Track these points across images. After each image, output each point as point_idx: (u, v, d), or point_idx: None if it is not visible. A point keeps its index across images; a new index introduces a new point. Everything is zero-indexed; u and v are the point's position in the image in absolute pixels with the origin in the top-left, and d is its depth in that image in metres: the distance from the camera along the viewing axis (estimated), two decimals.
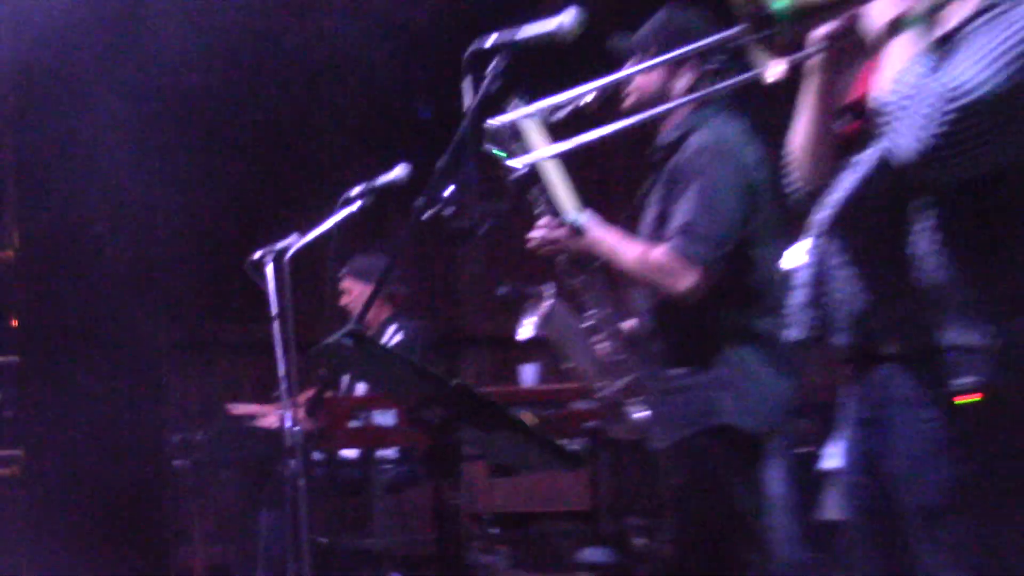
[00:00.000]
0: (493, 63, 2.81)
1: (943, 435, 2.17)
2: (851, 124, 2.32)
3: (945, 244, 2.16)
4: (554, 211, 3.51)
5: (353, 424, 4.99)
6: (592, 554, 5.98)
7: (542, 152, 3.14)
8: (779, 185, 2.92)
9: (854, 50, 2.28)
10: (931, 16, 2.21)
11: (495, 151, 2.77)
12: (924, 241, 2.17)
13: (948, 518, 2.17)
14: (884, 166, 2.20)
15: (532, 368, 6.67)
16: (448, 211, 3.15)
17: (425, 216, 3.10)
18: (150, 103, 5.29)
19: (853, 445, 2.38)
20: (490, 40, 2.85)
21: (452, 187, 3.10)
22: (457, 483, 2.83)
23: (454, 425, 2.44)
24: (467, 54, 2.79)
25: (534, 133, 3.28)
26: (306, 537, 4.23)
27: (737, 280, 3.45)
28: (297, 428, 4.25)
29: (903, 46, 2.16)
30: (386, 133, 6.72)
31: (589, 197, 3.56)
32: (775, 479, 3.50)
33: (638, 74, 3.57)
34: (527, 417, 4.26)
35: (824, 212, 2.37)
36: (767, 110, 3.45)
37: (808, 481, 4.82)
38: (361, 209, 4.28)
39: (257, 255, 4.47)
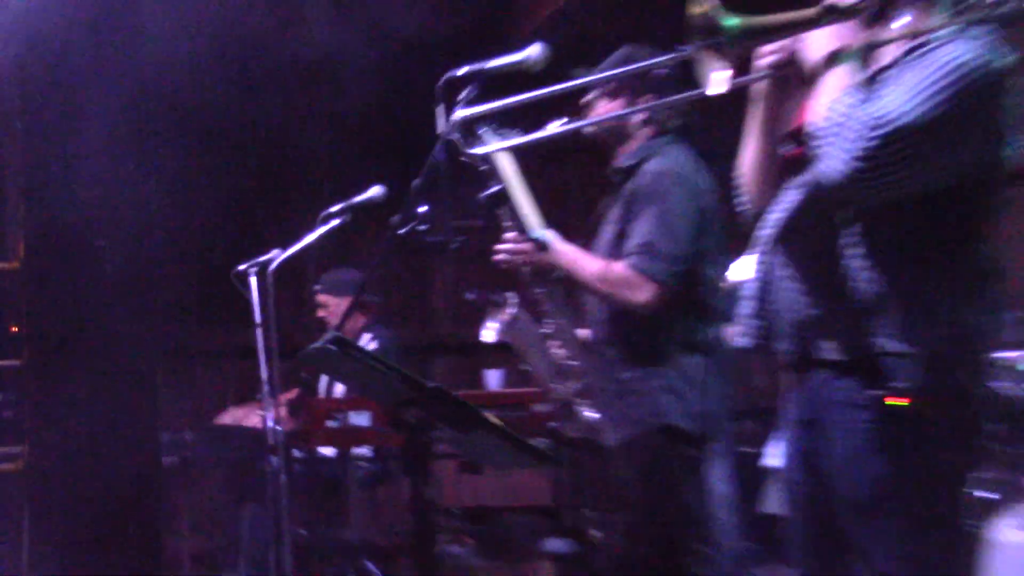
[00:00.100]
0: (465, 91, 2.83)
1: (875, 435, 2.20)
2: (794, 149, 2.35)
3: (874, 260, 2.19)
4: (520, 227, 3.53)
5: (331, 424, 4.98)
6: (553, 545, 6.00)
7: (503, 146, 3.16)
8: (725, 208, 2.95)
9: (796, 81, 2.31)
10: (865, 53, 2.25)
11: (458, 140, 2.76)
12: (855, 257, 2.20)
13: (879, 511, 2.20)
14: (817, 187, 2.24)
15: (496, 373, 6.69)
16: (422, 227, 3.16)
17: (401, 231, 3.12)
18: (141, 122, 5.26)
19: (793, 444, 2.40)
20: (462, 70, 2.87)
21: (426, 205, 3.11)
22: (428, 479, 2.82)
23: (431, 425, 2.45)
24: (440, 82, 2.80)
25: (501, 156, 3.32)
26: (287, 529, 4.22)
27: (685, 294, 3.48)
28: (279, 428, 4.24)
29: (838, 78, 2.20)
30: (364, 155, 6.71)
31: (549, 209, 3.60)
32: (720, 476, 3.52)
33: (599, 104, 3.60)
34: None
35: (767, 229, 2.40)
36: (712, 140, 3.50)
37: (751, 478, 4.84)
38: (340, 226, 4.29)
39: (242, 267, 4.45)
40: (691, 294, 3.49)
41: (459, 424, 2.44)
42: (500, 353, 4.57)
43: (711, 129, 3.54)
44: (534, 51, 2.86)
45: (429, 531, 2.78)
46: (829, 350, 2.25)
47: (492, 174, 3.47)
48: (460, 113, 2.67)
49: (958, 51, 2.13)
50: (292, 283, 4.64)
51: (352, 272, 5.89)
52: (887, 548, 2.20)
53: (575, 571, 5.53)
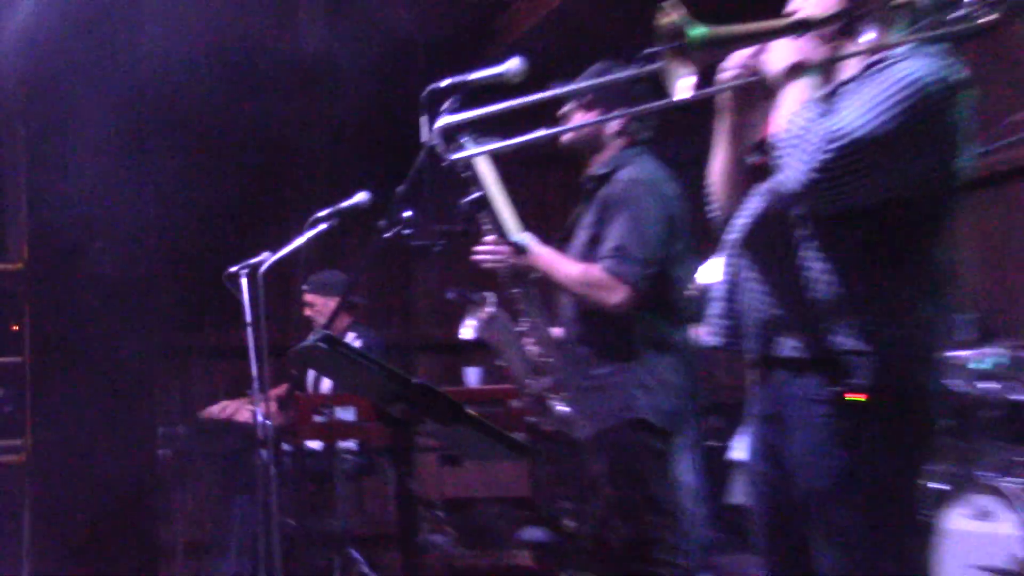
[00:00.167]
0: (448, 101, 2.84)
1: (834, 429, 2.21)
2: (760, 159, 2.36)
3: (833, 264, 2.20)
4: (500, 231, 3.54)
5: (318, 419, 4.97)
6: (529, 534, 6.01)
7: (482, 151, 3.18)
8: (695, 214, 2.95)
9: (760, 93, 2.33)
10: (826, 67, 2.26)
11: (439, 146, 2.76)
12: (816, 260, 2.22)
13: (836, 501, 2.21)
14: (777, 196, 2.25)
15: (476, 371, 6.69)
16: (406, 231, 3.17)
17: (386, 235, 3.12)
18: (138, 126, 5.24)
19: (757, 438, 2.41)
20: (445, 81, 2.88)
21: (410, 210, 3.12)
22: (412, 471, 2.82)
23: (416, 419, 2.45)
24: (424, 93, 2.81)
25: (481, 162, 3.33)
26: (276, 519, 4.21)
27: (655, 295, 3.50)
28: (268, 422, 4.23)
29: (799, 90, 2.21)
30: (356, 160, 6.69)
31: (527, 214, 3.61)
32: (688, 469, 3.54)
33: (575, 115, 3.61)
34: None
35: (733, 234, 2.41)
36: (683, 149, 3.52)
37: (718, 471, 4.86)
38: (327, 230, 4.28)
39: (233, 269, 4.44)
40: (661, 295, 3.50)
41: (442, 418, 2.44)
42: (479, 352, 4.57)
43: (682, 139, 3.55)
44: (513, 64, 2.89)
45: (412, 521, 2.78)
46: (791, 348, 2.26)
47: (473, 181, 3.48)
48: (442, 122, 2.68)
49: (913, 67, 2.15)
50: (281, 284, 4.62)
51: (339, 274, 5.89)
52: (844, 536, 2.21)
53: (551, 559, 5.54)
